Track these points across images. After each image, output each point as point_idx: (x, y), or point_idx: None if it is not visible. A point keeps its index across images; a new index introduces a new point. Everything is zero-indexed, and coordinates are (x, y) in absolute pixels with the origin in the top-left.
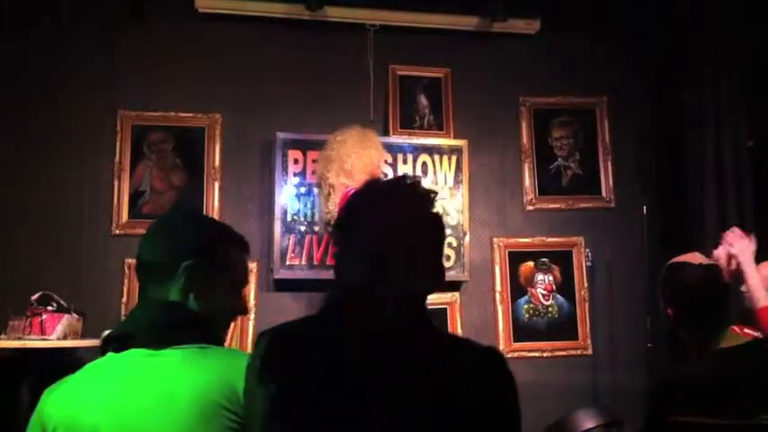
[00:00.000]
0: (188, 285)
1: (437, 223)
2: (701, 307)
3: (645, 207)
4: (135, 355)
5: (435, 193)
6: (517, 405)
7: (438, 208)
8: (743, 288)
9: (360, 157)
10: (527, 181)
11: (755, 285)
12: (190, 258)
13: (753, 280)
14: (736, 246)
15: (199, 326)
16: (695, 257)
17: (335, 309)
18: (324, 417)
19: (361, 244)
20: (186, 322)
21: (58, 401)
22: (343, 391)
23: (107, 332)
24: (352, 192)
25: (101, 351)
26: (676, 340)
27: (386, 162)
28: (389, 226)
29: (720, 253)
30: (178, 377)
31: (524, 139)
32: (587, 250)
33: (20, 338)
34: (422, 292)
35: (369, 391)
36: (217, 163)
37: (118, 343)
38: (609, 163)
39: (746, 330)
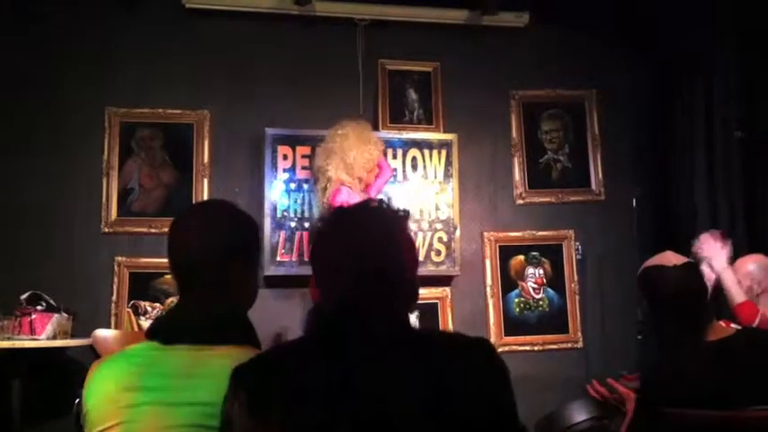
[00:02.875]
0: (234, 282)
1: (410, 242)
2: (686, 306)
3: (634, 199)
4: (182, 351)
5: (406, 212)
6: (512, 394)
7: (409, 226)
8: None
9: (361, 153)
10: (517, 175)
11: (729, 284)
12: (236, 256)
13: (727, 281)
14: (707, 249)
15: (244, 324)
16: (669, 258)
17: (319, 335)
18: None
19: (340, 274)
20: (235, 322)
21: (98, 382)
22: (344, 415)
23: (155, 318)
24: (318, 223)
25: (147, 336)
26: (664, 336)
27: None
28: (364, 252)
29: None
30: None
31: (514, 133)
32: (577, 243)
33: (9, 338)
34: (404, 310)
35: (370, 412)
36: (206, 159)
37: (166, 335)
38: (598, 155)
39: (732, 326)
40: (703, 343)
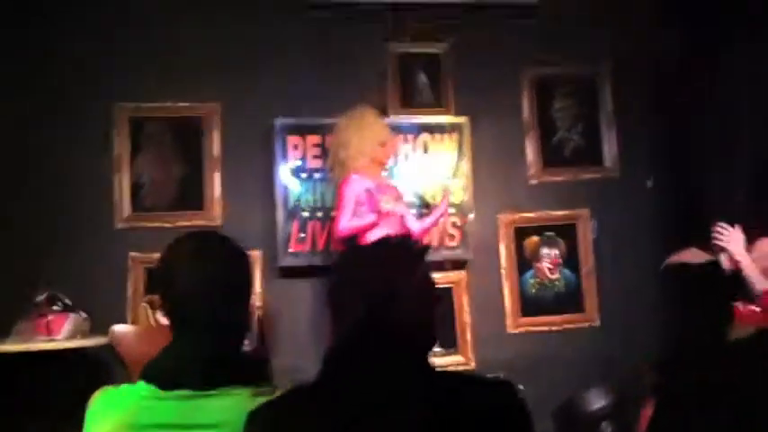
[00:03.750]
0: (229, 322)
1: (428, 282)
2: (708, 305)
3: (650, 181)
4: (179, 398)
5: (425, 249)
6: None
7: (426, 265)
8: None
9: (360, 140)
10: (530, 154)
11: (750, 271)
12: (232, 296)
13: (748, 269)
14: (725, 237)
15: (241, 362)
16: (693, 255)
17: (332, 378)
18: None
19: (353, 312)
20: (233, 362)
21: (95, 424)
22: None
23: (149, 362)
24: (339, 254)
25: (141, 376)
26: (686, 333)
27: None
28: (380, 292)
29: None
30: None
31: (526, 112)
32: (593, 222)
33: (27, 340)
34: (420, 353)
35: None
36: (216, 152)
37: (162, 381)
38: (613, 132)
39: (750, 307)
40: (724, 342)
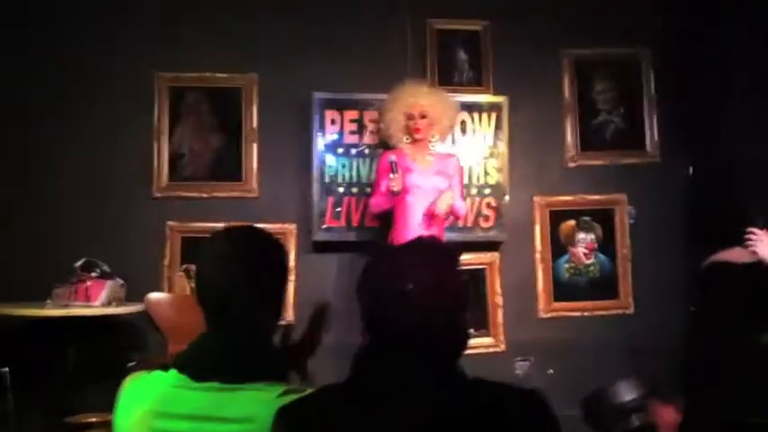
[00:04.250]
0: (264, 314)
1: (454, 286)
2: (750, 310)
3: (690, 167)
4: (210, 390)
5: (455, 252)
6: None
7: (457, 268)
8: None
9: (389, 113)
10: (569, 136)
11: None
12: (267, 290)
13: None
14: (760, 246)
15: (272, 357)
16: (738, 255)
17: (359, 379)
18: None
19: (377, 315)
20: (264, 357)
21: (126, 406)
22: None
23: (182, 351)
24: (369, 255)
25: (173, 365)
26: (721, 337)
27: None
28: (400, 297)
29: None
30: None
31: (566, 93)
32: (630, 208)
33: (65, 306)
34: (448, 358)
35: None
36: (254, 124)
37: (195, 371)
38: (654, 116)
39: None
40: (763, 348)
